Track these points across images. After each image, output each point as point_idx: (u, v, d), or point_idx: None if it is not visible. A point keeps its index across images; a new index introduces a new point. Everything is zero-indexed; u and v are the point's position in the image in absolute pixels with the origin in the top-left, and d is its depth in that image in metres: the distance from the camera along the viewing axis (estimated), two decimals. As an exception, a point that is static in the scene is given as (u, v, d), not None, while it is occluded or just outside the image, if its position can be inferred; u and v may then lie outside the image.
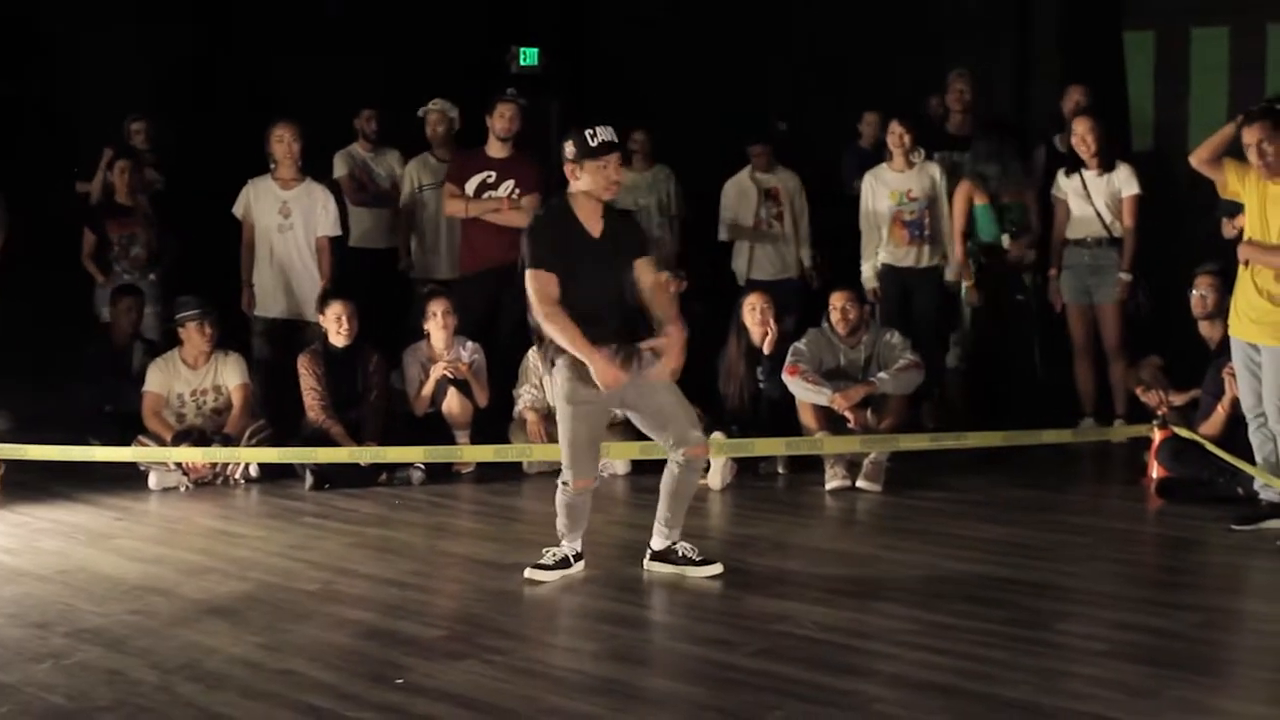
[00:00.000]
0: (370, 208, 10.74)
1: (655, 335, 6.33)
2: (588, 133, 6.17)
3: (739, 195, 10.65)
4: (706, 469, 8.33)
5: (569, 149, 6.22)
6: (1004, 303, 9.90)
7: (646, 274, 6.41)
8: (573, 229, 6.27)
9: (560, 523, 6.53)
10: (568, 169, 6.26)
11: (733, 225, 10.67)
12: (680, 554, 6.57)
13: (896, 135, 9.77)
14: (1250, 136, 6.98)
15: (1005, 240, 9.78)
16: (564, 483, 6.44)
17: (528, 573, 6.49)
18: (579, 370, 6.22)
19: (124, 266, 10.37)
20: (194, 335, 9.01)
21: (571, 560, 6.55)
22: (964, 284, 9.85)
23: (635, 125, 11.15)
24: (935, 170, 9.87)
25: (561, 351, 6.27)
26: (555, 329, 6.19)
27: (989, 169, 9.81)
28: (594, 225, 6.29)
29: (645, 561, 6.63)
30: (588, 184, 6.22)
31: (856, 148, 10.96)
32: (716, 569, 6.51)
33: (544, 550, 6.58)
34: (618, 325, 6.32)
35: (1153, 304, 9.57)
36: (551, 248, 6.22)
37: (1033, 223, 9.89)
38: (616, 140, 6.26)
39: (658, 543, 6.60)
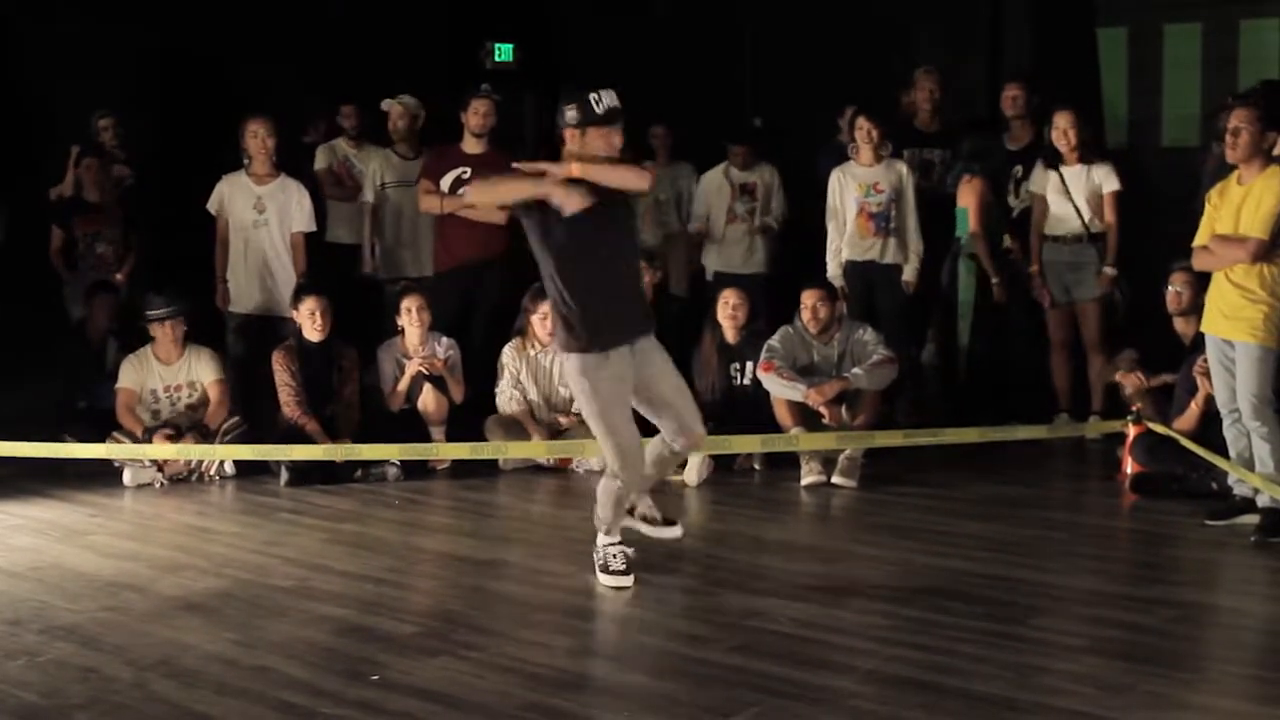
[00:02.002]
0: (347, 202, 10.72)
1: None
2: (592, 97, 5.88)
3: (714, 190, 10.67)
4: (684, 465, 8.35)
5: (571, 114, 5.91)
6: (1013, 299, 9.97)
7: None
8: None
9: (606, 514, 6.28)
10: (568, 134, 5.96)
11: (705, 219, 10.66)
12: (639, 512, 6.48)
13: (865, 130, 9.77)
14: (1233, 120, 7.02)
15: (1006, 239, 9.84)
16: (617, 479, 6.20)
17: (606, 580, 6.21)
18: (590, 363, 6.03)
19: (89, 263, 10.34)
20: (159, 335, 8.98)
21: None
22: (993, 281, 9.87)
23: (657, 120, 11.20)
24: (902, 168, 9.87)
25: (567, 350, 6.08)
26: (492, 187, 6.36)
27: (988, 167, 9.88)
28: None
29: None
30: (593, 153, 5.91)
31: (837, 144, 10.95)
32: (675, 532, 6.48)
33: (605, 556, 6.27)
34: (629, 294, 6.15)
35: (1130, 299, 9.60)
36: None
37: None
38: (621, 107, 5.96)
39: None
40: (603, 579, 6.26)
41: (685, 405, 6.27)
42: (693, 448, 6.48)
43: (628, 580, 6.21)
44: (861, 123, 9.79)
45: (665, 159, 11.24)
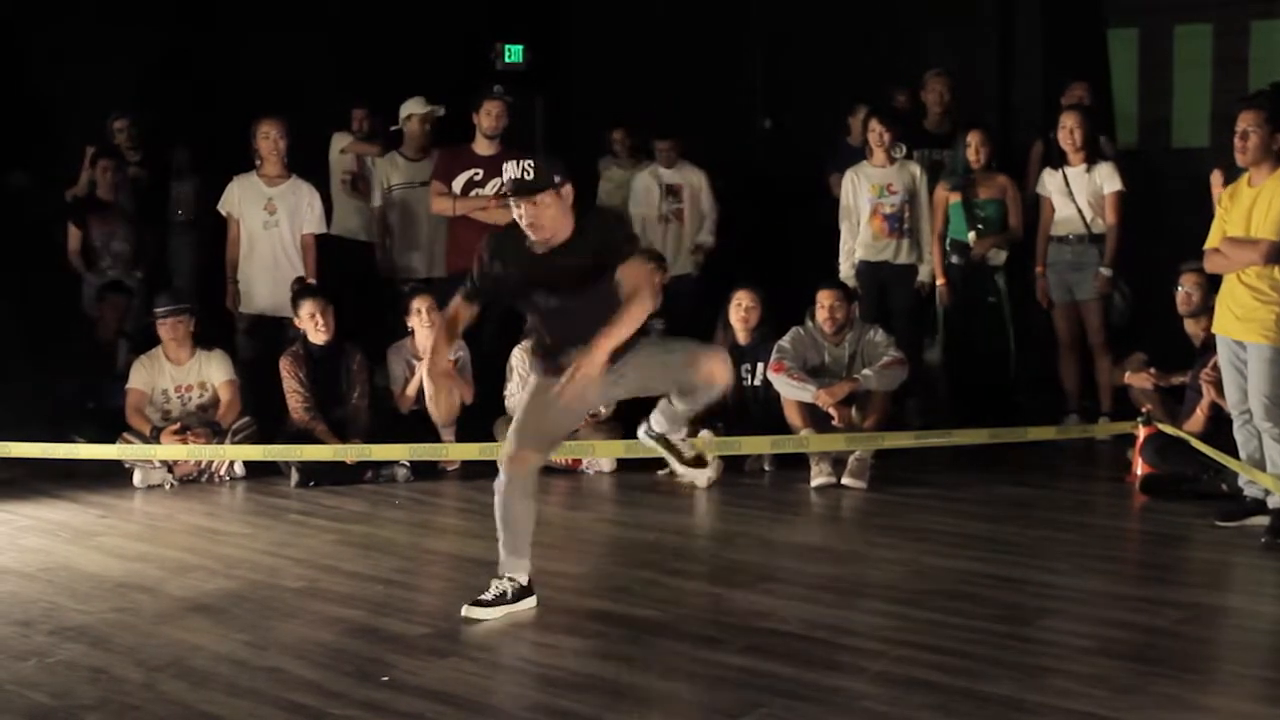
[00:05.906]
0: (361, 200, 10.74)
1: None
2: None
3: (644, 191, 10.68)
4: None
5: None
6: (975, 302, 9.88)
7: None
8: None
9: (500, 533, 5.94)
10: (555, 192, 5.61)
11: (639, 220, 10.57)
12: (673, 442, 6.16)
13: (876, 133, 9.80)
14: (1241, 123, 7.02)
15: (971, 237, 9.77)
16: (502, 460, 5.82)
17: (466, 611, 5.81)
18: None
19: (108, 263, 10.35)
20: (165, 333, 8.99)
21: (517, 594, 5.91)
22: (937, 283, 9.86)
23: (619, 123, 11.19)
24: (915, 169, 9.90)
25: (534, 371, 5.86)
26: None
27: (956, 166, 9.86)
28: None
29: (640, 430, 6.23)
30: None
31: (845, 144, 10.93)
32: (707, 474, 6.04)
33: (493, 583, 5.92)
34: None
35: (1132, 300, 9.58)
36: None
37: (1011, 222, 9.84)
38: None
39: (656, 424, 6.13)
40: (465, 609, 5.81)
41: (684, 355, 5.76)
42: (713, 378, 5.71)
43: (490, 613, 5.81)
44: (874, 125, 9.82)
45: (629, 162, 11.24)
